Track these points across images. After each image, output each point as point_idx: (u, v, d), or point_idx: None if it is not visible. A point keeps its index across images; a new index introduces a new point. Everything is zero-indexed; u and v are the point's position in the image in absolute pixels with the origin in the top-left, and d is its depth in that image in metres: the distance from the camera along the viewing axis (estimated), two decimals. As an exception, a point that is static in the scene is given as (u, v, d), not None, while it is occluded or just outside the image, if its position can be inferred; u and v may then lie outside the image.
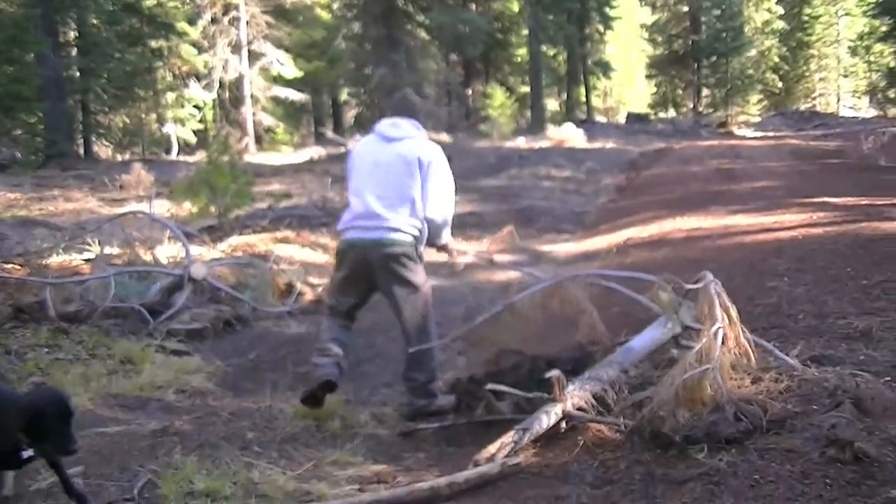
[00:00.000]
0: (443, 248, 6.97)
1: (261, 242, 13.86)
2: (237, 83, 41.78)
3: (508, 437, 4.86)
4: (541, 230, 15.99)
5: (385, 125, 6.58)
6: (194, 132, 41.97)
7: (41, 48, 32.20)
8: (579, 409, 5.03)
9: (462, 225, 16.05)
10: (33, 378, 7.15)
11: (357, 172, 6.51)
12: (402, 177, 6.33)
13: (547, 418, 4.97)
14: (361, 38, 35.78)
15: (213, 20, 40.95)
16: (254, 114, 42.00)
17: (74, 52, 36.93)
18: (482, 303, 9.83)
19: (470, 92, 46.50)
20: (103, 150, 39.58)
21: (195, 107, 41.76)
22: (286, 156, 37.85)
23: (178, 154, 39.86)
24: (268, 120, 43.17)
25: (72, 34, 37.37)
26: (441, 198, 6.49)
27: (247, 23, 40.94)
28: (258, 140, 42.60)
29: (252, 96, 41.77)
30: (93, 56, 35.82)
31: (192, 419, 6.10)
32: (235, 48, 41.03)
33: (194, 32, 40.04)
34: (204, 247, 12.98)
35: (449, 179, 6.51)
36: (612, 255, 11.52)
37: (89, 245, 12.09)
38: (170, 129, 41.35)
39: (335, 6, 42.06)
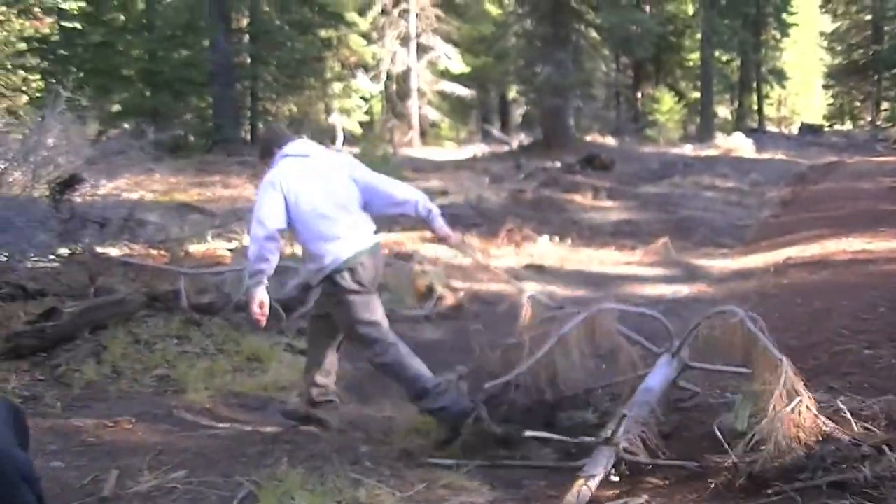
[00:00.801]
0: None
1: (408, 241, 13.68)
2: (404, 76, 41.93)
3: (578, 486, 4.53)
4: (698, 243, 15.36)
5: (297, 147, 6.20)
6: (360, 123, 42.19)
7: (214, 34, 32.81)
8: (628, 451, 4.83)
9: (616, 233, 15.64)
10: (159, 370, 7.06)
11: (303, 195, 5.94)
12: (347, 184, 6.05)
13: (605, 462, 4.73)
14: (531, 36, 35.35)
15: (383, 12, 41.18)
16: (419, 107, 42.10)
17: (246, 38, 37.54)
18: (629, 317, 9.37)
19: (639, 95, 45.72)
20: (270, 137, 40.06)
21: (362, 98, 41.97)
22: (450, 151, 37.76)
23: (343, 144, 40.13)
24: (433, 114, 43.21)
25: (244, 21, 37.99)
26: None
27: (416, 15, 41.06)
28: (423, 134, 42.68)
29: (419, 90, 41.86)
30: (263, 43, 36.36)
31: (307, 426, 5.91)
32: (404, 41, 41.19)
33: (364, 23, 40.27)
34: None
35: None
36: (770, 274, 10.94)
37: (237, 234, 12.06)
38: (336, 119, 41.63)
39: (505, 1, 41.75)
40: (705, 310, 9.91)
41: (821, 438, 4.42)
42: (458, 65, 41.52)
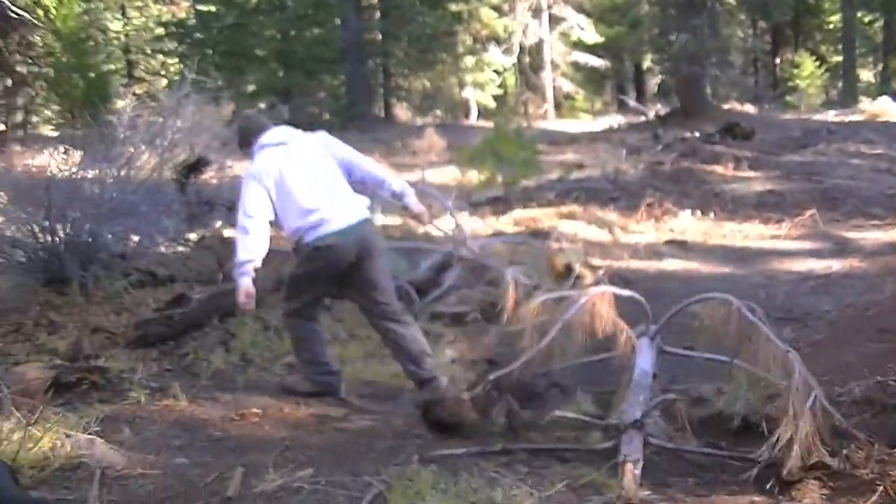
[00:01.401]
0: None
1: (545, 217, 13.39)
2: (537, 48, 41.51)
3: (630, 469, 4.57)
4: (847, 214, 14.61)
5: (274, 135, 6.29)
6: (494, 97, 41.98)
7: (345, 12, 32.91)
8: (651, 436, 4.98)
9: (760, 205, 15.09)
10: (287, 359, 6.92)
11: (286, 183, 6.09)
12: (328, 165, 6.25)
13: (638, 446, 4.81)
14: (665, 3, 34.62)
15: (514, -17, 40.78)
16: (553, 79, 41.69)
17: (377, 15, 37.58)
18: (778, 295, 8.94)
19: (777, 61, 44.52)
20: (403, 112, 40.24)
21: (495, 71, 41.74)
22: (585, 123, 37.39)
23: (477, 119, 40.00)
24: (567, 86, 42.75)
25: (374, -2, 38.07)
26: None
27: (548, -14, 40.56)
28: (557, 107, 42.29)
29: (552, 61, 41.41)
30: (394, 19, 36.37)
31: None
32: (536, 12, 40.73)
33: (495, -4, 39.96)
34: (485, 220, 12.61)
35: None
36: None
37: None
38: (469, 93, 41.50)
39: (639, -32, 41.05)
40: (858, 286, 9.56)
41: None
42: (592, 35, 40.90)
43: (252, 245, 6.00)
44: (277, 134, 6.26)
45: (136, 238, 9.12)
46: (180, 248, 9.82)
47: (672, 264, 10.97)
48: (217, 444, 5.18)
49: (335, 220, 5.98)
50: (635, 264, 10.85)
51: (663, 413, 5.32)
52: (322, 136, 6.44)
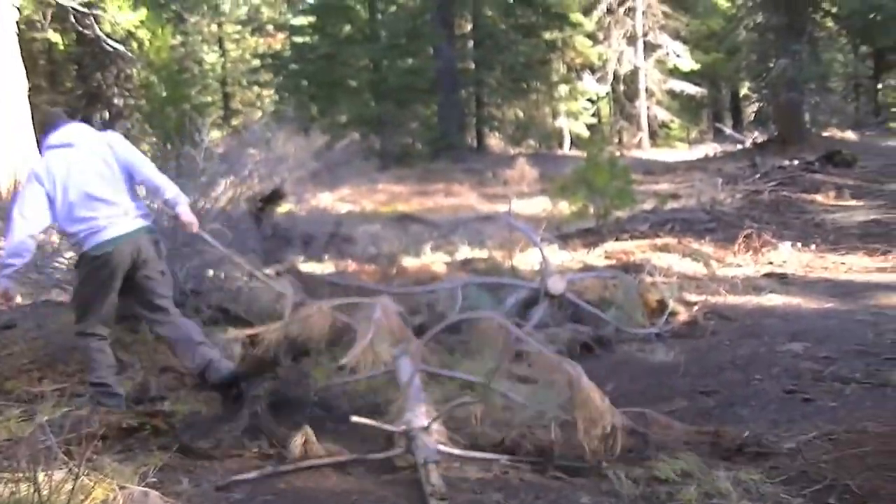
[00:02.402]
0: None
1: (638, 249, 12.96)
2: (632, 76, 41.21)
3: (433, 469, 4.79)
4: (957, 248, 13.94)
5: (60, 136, 6.27)
6: (587, 126, 41.67)
7: (437, 41, 32.87)
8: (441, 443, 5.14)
9: (864, 235, 14.49)
10: (365, 399, 6.57)
11: (66, 187, 6.10)
12: (111, 169, 6.22)
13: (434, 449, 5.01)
14: (763, 28, 34.02)
15: (609, 11, 40.57)
16: (648, 108, 41.28)
17: (470, 44, 37.52)
18: (886, 332, 8.35)
19: (879, 86, 43.47)
20: (495, 142, 40.09)
21: (589, 100, 41.48)
22: (680, 152, 36.99)
23: (570, 148, 39.70)
24: (662, 114, 42.27)
25: (467, 26, 37.98)
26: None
27: (643, 13, 40.23)
28: (652, 135, 41.90)
29: (647, 89, 41.00)
30: (487, 48, 36.27)
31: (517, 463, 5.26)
32: (631, 40, 40.45)
33: (589, 24, 39.73)
34: (575, 253, 12.22)
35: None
36: None
37: (455, 245, 11.64)
38: (563, 122, 41.23)
39: (736, -7, 40.47)
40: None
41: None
42: (688, 62, 40.44)
43: (20, 249, 6.01)
44: (64, 135, 6.23)
45: (209, 273, 8.92)
46: (255, 284, 9.61)
47: (772, 299, 10.43)
48: (282, 497, 4.81)
49: (112, 227, 6.04)
50: (733, 299, 10.34)
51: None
52: (110, 136, 6.41)
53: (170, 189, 6.35)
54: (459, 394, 6.16)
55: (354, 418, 5.26)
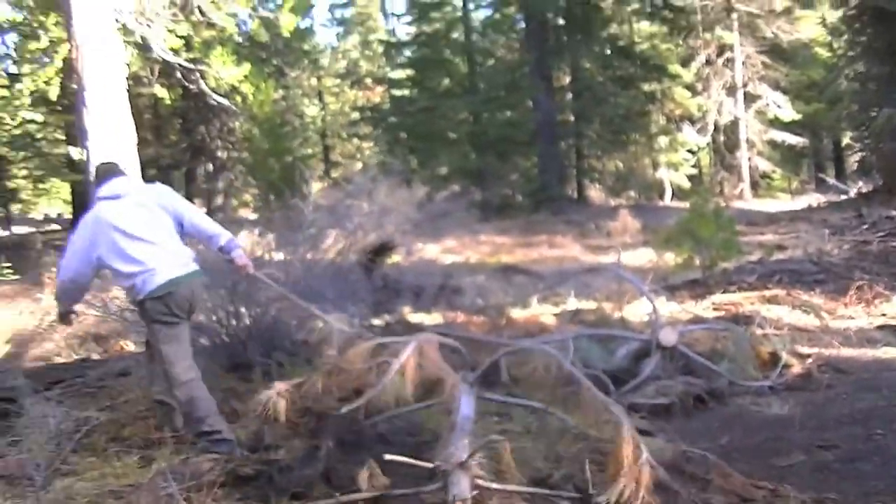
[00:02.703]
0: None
1: (746, 301, 12.75)
2: (732, 126, 40.85)
3: None
4: None
5: (110, 188, 6.49)
6: (688, 177, 41.45)
7: (536, 93, 32.98)
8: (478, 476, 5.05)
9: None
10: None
11: (116, 237, 6.28)
12: (159, 217, 6.45)
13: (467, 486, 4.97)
14: (865, 77, 33.54)
15: (707, 62, 40.38)
16: (749, 158, 40.89)
17: (568, 96, 37.59)
18: None
19: None
20: (596, 194, 40.01)
21: (689, 151, 41.26)
22: (782, 203, 36.57)
23: (671, 199, 39.48)
24: (764, 164, 41.82)
25: (566, 79, 38.07)
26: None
27: (742, 63, 39.92)
28: (754, 186, 41.47)
29: (747, 140, 40.63)
30: (586, 100, 36.28)
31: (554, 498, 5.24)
32: (730, 90, 40.19)
33: (687, 75, 39.63)
34: (682, 304, 12.07)
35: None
36: None
37: (562, 297, 11.57)
38: (663, 173, 41.07)
39: (836, 45, 39.92)
40: None
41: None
42: (788, 112, 40.01)
43: (65, 296, 6.55)
44: (114, 187, 6.43)
45: (320, 323, 8.96)
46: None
47: (888, 352, 10.17)
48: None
49: (166, 270, 6.16)
50: (847, 352, 10.10)
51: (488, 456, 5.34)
52: (158, 188, 6.69)
53: (223, 235, 6.57)
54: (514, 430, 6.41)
55: (388, 456, 5.25)
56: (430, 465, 5.14)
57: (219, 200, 35.69)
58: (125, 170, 6.92)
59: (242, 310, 8.40)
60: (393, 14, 48.00)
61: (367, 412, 6.29)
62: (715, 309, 12.40)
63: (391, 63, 45.41)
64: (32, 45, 23.65)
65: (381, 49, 47.73)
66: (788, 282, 14.23)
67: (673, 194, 40.38)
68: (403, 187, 14.42)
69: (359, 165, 47.55)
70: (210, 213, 32.36)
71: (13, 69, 26.66)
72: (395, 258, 10.94)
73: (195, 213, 6.62)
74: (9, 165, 35.66)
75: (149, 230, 6.25)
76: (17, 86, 24.72)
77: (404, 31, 45.99)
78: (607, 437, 5.62)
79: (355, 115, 44.31)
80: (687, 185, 40.55)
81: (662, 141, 41.03)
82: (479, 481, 4.95)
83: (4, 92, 26.71)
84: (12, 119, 27.00)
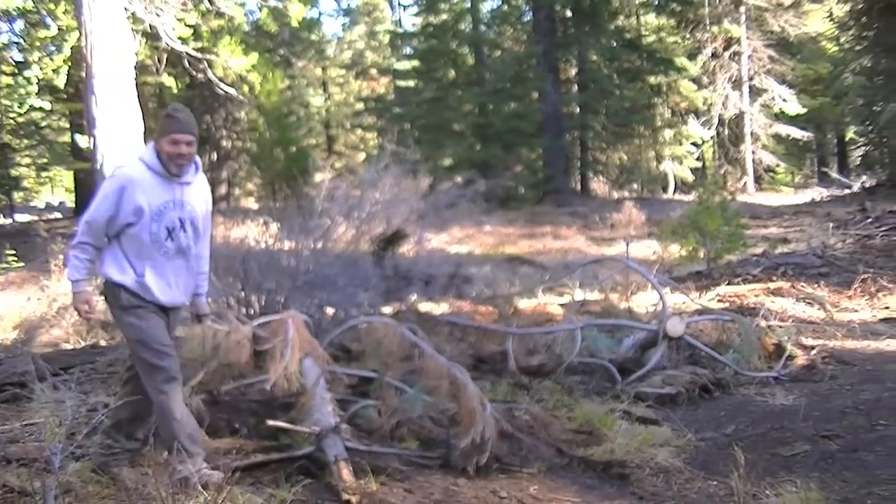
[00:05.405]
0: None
1: (751, 293, 12.82)
2: (737, 120, 40.81)
3: (344, 465, 5.34)
4: None
5: None
6: (692, 170, 41.42)
7: (543, 85, 32.97)
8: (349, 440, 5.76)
9: None
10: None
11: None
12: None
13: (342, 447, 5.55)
14: (871, 72, 33.56)
15: (714, 55, 40.39)
16: (753, 152, 40.84)
17: (574, 88, 37.58)
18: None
19: None
20: (600, 186, 40.05)
21: (693, 144, 41.22)
22: (786, 196, 36.53)
23: (674, 192, 39.49)
24: (768, 158, 41.81)
25: (572, 71, 38.07)
26: None
27: (748, 57, 39.89)
28: (757, 179, 41.46)
29: (752, 133, 40.61)
30: (592, 92, 36.29)
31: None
32: (736, 84, 40.18)
33: (694, 68, 39.57)
34: (688, 296, 12.12)
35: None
36: None
37: (568, 288, 11.61)
38: (667, 166, 41.06)
39: (843, 39, 39.90)
40: None
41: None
42: (794, 106, 39.97)
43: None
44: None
45: (330, 311, 9.01)
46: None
47: (891, 344, 10.23)
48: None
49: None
50: (851, 344, 10.16)
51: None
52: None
53: (206, 278, 5.94)
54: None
55: (271, 422, 5.65)
56: (308, 430, 5.60)
57: (222, 189, 35.72)
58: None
59: (253, 297, 8.47)
60: (400, 4, 47.73)
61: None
62: (720, 301, 12.46)
63: (397, 54, 45.38)
64: (42, 33, 23.70)
65: (387, 39, 47.76)
66: (793, 275, 14.31)
67: (676, 187, 40.39)
68: (410, 178, 14.45)
69: (362, 156, 47.57)
70: (213, 202, 32.54)
71: (18, 57, 26.61)
72: (404, 247, 10.97)
73: (207, 241, 5.89)
74: (12, 153, 35.68)
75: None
76: (26, 73, 24.69)
77: (411, 21, 46.01)
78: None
79: (359, 106, 44.34)
80: (691, 178, 40.56)
81: (667, 134, 41.07)
82: (348, 443, 5.49)
83: (10, 80, 26.72)
84: (19, 107, 26.91)
